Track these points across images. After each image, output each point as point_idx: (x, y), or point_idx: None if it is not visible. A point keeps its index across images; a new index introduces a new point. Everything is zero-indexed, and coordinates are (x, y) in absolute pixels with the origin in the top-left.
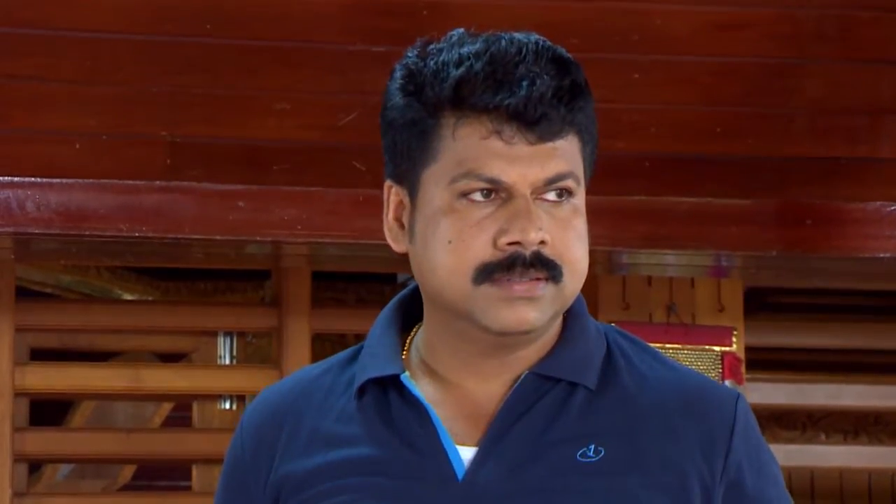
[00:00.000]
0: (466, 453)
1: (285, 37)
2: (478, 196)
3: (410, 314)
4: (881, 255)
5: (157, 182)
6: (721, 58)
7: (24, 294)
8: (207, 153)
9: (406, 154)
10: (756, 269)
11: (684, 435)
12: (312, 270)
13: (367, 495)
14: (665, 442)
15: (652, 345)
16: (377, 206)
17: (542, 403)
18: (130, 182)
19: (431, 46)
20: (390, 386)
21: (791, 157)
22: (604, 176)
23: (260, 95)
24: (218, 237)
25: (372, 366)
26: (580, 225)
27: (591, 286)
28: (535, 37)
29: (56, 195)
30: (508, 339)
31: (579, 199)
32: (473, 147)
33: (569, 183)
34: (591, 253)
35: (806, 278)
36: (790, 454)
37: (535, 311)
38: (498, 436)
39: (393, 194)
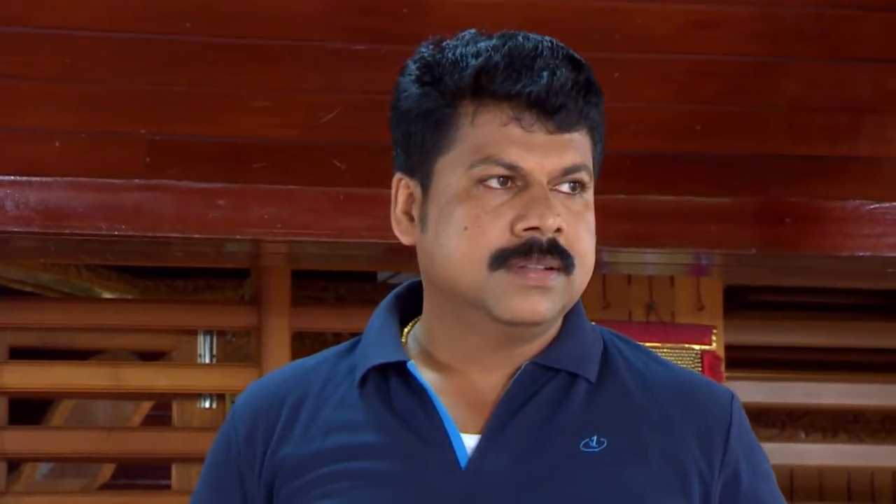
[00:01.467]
0: (469, 441)
1: (265, 35)
2: (494, 183)
3: (405, 310)
4: (860, 254)
5: (137, 180)
6: (701, 56)
7: (4, 293)
8: (187, 151)
9: (420, 144)
10: (735, 268)
11: (683, 431)
12: (292, 269)
13: (369, 481)
14: (665, 437)
15: None
16: (357, 204)
17: (543, 393)
18: (110, 180)
19: (446, 42)
20: (393, 374)
21: (770, 156)
22: None
23: (240, 93)
24: (197, 235)
25: (375, 354)
26: (591, 220)
27: None
28: (548, 37)
29: (35, 193)
30: (517, 331)
31: (590, 195)
32: (493, 133)
33: (583, 175)
34: None
35: (785, 277)
36: (769, 452)
37: (546, 301)
38: (500, 424)
39: (402, 187)
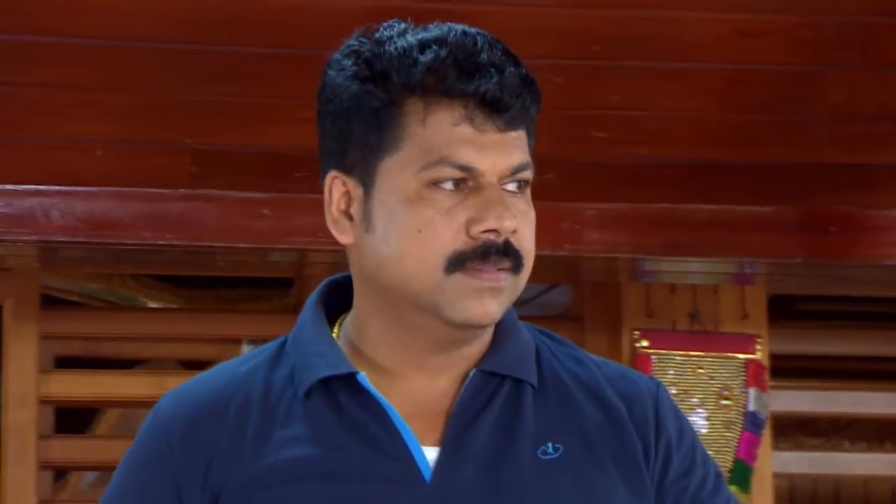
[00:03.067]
0: (429, 454)
1: (307, 45)
2: (448, 185)
3: (328, 309)
4: None
5: (182, 190)
6: (742, 65)
7: (50, 302)
8: (231, 161)
9: (362, 143)
10: (780, 277)
11: (625, 423)
12: None
13: (332, 498)
14: (611, 432)
15: (676, 352)
16: None
17: (495, 402)
18: (155, 190)
19: (378, 35)
20: (340, 385)
21: (813, 164)
22: (625, 183)
23: (283, 103)
24: (242, 245)
25: (320, 365)
26: (534, 218)
27: (614, 293)
28: (480, 29)
29: (81, 203)
30: (465, 333)
31: (529, 193)
32: (444, 134)
33: (529, 174)
34: (615, 260)
35: (830, 286)
36: (815, 462)
37: (496, 303)
38: (458, 435)
39: (338, 185)
